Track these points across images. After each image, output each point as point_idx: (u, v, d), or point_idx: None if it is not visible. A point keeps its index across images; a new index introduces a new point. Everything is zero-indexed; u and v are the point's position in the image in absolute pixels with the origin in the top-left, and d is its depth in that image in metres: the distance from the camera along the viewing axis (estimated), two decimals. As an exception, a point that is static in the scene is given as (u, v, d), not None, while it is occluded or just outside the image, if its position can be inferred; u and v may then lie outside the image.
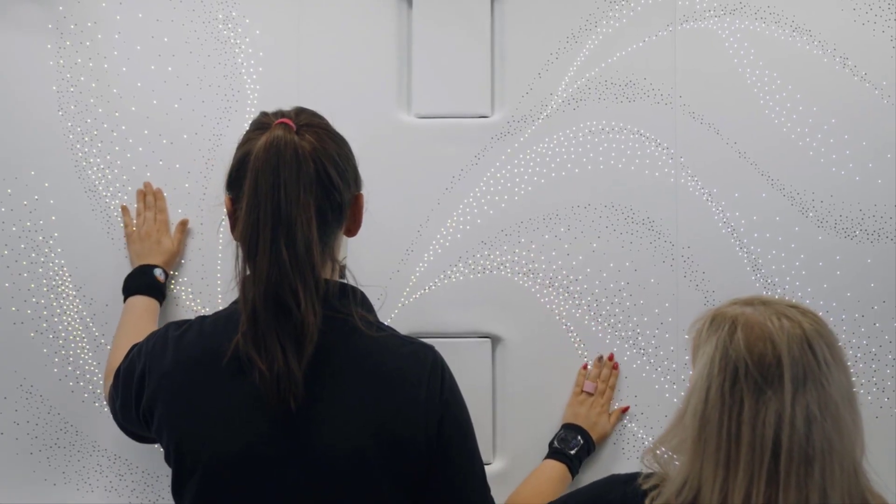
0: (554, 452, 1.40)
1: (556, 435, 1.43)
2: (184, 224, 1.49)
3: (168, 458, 1.02)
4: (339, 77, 1.51)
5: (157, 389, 1.02)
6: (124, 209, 1.48)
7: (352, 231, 1.07)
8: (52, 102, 1.49)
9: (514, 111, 1.50)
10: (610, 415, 1.45)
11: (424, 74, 1.51)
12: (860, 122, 1.47)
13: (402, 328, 1.43)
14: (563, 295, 1.49)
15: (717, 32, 1.49)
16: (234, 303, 1.01)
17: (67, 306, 1.48)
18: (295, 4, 1.51)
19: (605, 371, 1.46)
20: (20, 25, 1.49)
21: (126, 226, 1.48)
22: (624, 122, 1.49)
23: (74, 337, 1.48)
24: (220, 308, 1.10)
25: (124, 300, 1.41)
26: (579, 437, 1.41)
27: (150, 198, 1.48)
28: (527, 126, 1.50)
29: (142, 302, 1.39)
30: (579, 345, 1.48)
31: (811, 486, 0.88)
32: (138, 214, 1.48)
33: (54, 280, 1.48)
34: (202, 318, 1.05)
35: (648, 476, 1.01)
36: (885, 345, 1.46)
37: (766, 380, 0.89)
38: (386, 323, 1.43)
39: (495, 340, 1.50)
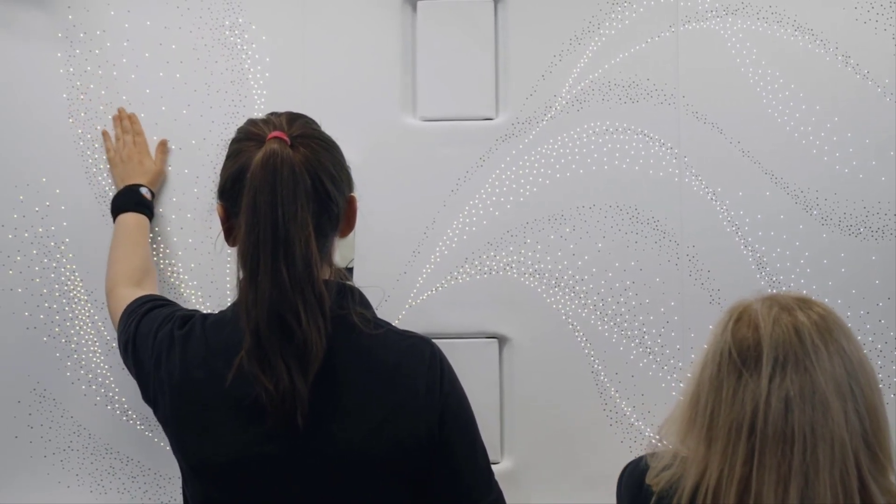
0: None
1: None
2: (164, 144, 1.51)
3: (172, 449, 1.05)
4: (345, 81, 1.52)
5: (162, 389, 1.03)
6: (105, 134, 1.51)
7: (345, 232, 1.07)
8: (63, 110, 1.51)
9: (519, 113, 1.52)
10: None
11: (429, 78, 1.52)
12: (863, 120, 1.48)
13: (410, 329, 1.45)
14: (569, 295, 1.50)
15: (719, 32, 1.50)
16: (235, 304, 1.02)
17: (79, 311, 1.50)
18: (300, 10, 1.53)
19: None
20: (30, 34, 1.51)
21: (107, 150, 1.50)
22: (628, 122, 1.51)
23: (86, 341, 1.50)
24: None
25: (113, 220, 1.43)
26: None
27: (125, 122, 1.50)
28: (531, 128, 1.52)
29: (132, 218, 1.42)
30: (585, 344, 1.49)
31: (792, 469, 0.89)
32: (117, 139, 1.50)
33: (66, 285, 1.50)
34: (204, 318, 1.06)
35: (653, 455, 1.04)
36: (889, 341, 1.46)
37: (744, 362, 0.93)
38: (394, 323, 1.45)
39: (502, 341, 1.51)
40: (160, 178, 1.50)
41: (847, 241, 1.47)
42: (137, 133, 1.50)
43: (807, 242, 1.48)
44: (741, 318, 0.96)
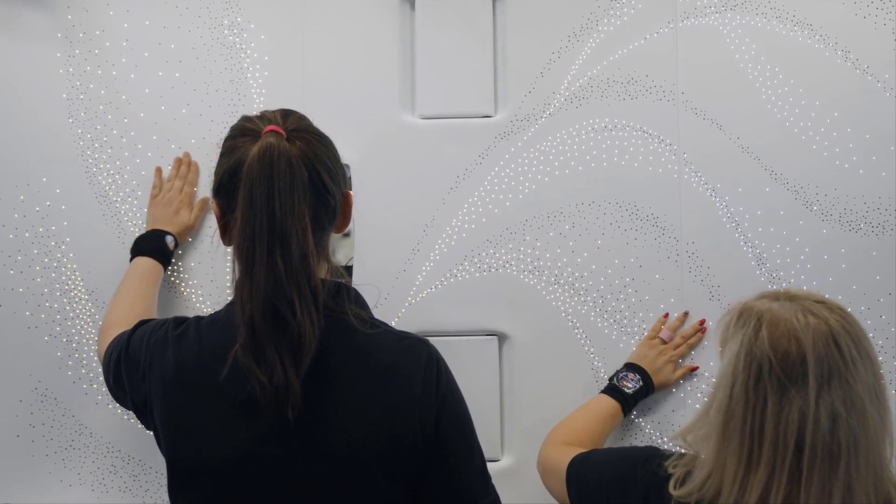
0: (610, 389, 1.41)
1: (616, 372, 1.43)
2: (204, 202, 1.52)
3: (161, 452, 1.03)
4: (344, 80, 1.52)
5: (156, 388, 1.03)
6: (158, 170, 1.51)
7: (340, 228, 1.07)
8: (63, 110, 1.52)
9: (517, 110, 1.52)
10: (677, 368, 1.46)
11: (427, 76, 1.52)
12: (863, 116, 1.47)
13: (409, 327, 1.45)
14: (569, 292, 1.50)
15: (718, 28, 1.50)
16: (229, 305, 1.01)
17: (80, 310, 1.51)
18: (299, 9, 1.53)
19: (688, 329, 1.46)
20: (30, 35, 1.52)
21: (153, 186, 1.50)
22: (626, 119, 1.50)
23: (87, 340, 1.51)
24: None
25: (131, 259, 1.44)
26: (639, 378, 1.41)
27: (184, 168, 1.51)
28: (530, 125, 1.51)
29: (147, 264, 1.42)
30: (585, 341, 1.49)
31: (835, 483, 0.88)
32: (168, 180, 1.50)
33: (67, 284, 1.51)
34: (198, 320, 1.05)
35: (678, 457, 1.01)
36: (891, 337, 1.46)
37: (790, 378, 0.89)
38: (392, 322, 1.45)
39: (502, 338, 1.51)
40: (189, 233, 1.50)
41: (847, 237, 1.47)
42: (190, 184, 1.50)
43: (807, 238, 1.48)
44: (776, 328, 0.91)
